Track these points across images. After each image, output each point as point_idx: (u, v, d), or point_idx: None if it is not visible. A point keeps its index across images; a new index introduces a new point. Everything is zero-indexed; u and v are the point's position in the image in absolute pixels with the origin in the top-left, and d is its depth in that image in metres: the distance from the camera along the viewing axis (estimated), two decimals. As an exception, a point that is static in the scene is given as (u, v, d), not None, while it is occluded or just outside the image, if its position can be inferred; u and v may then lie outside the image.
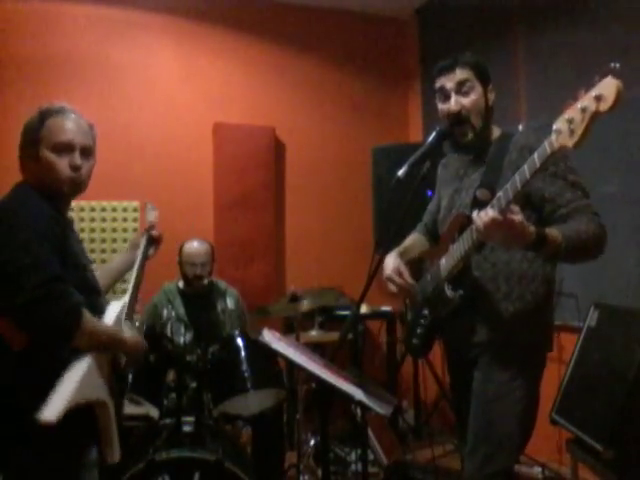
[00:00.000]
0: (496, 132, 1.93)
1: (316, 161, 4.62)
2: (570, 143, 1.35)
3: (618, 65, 1.31)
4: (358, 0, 4.62)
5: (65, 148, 1.65)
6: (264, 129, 4.41)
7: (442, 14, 4.47)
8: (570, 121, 1.35)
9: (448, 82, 1.84)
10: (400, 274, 1.93)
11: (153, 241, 2.16)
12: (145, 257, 2.09)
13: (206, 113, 4.30)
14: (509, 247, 1.76)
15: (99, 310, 1.71)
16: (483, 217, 1.55)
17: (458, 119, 1.83)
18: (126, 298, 1.86)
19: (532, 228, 1.58)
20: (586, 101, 1.32)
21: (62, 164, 1.64)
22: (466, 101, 1.83)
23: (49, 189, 1.65)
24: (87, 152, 1.71)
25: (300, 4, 4.59)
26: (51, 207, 1.63)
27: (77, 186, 1.69)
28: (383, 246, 1.97)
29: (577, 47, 3.30)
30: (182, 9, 4.30)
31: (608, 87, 1.29)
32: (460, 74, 1.82)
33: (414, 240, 2.18)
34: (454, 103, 1.83)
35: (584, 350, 2.70)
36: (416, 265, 2.07)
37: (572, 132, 1.34)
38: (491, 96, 1.88)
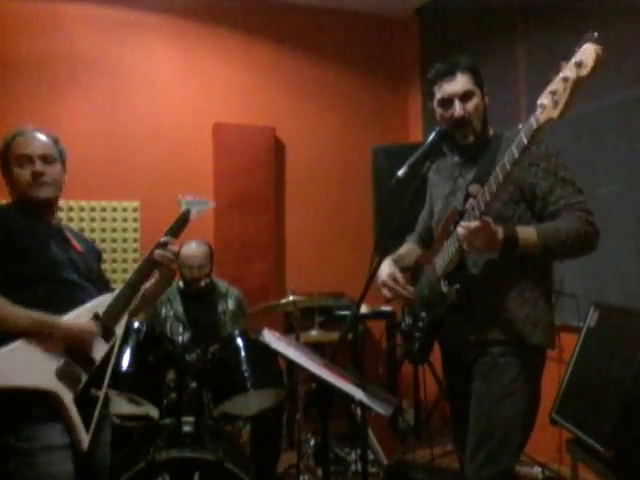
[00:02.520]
0: (490, 133, 1.94)
1: (316, 161, 4.62)
2: (555, 114, 1.36)
3: (596, 34, 1.31)
4: (358, 0, 4.63)
5: (24, 159, 1.87)
6: (264, 129, 4.41)
7: (442, 14, 4.47)
8: (553, 93, 1.35)
9: (450, 87, 1.84)
10: (395, 280, 1.94)
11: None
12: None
13: (206, 113, 4.30)
14: (489, 253, 1.73)
15: (70, 303, 1.83)
16: (464, 224, 1.62)
17: (462, 123, 1.84)
18: (113, 293, 1.95)
19: (500, 228, 1.63)
20: (567, 70, 1.33)
21: (25, 173, 1.87)
22: (469, 106, 1.84)
23: (25, 199, 1.87)
24: (48, 159, 1.91)
25: (300, 4, 4.59)
26: (22, 216, 1.85)
27: (42, 186, 1.87)
28: (383, 246, 1.97)
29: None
30: (182, 9, 4.30)
31: (587, 52, 1.31)
32: (462, 80, 1.84)
33: (408, 249, 2.17)
34: (459, 109, 1.83)
35: (584, 350, 2.70)
36: (413, 272, 2.06)
37: (556, 103, 1.35)
38: (486, 98, 1.91)
